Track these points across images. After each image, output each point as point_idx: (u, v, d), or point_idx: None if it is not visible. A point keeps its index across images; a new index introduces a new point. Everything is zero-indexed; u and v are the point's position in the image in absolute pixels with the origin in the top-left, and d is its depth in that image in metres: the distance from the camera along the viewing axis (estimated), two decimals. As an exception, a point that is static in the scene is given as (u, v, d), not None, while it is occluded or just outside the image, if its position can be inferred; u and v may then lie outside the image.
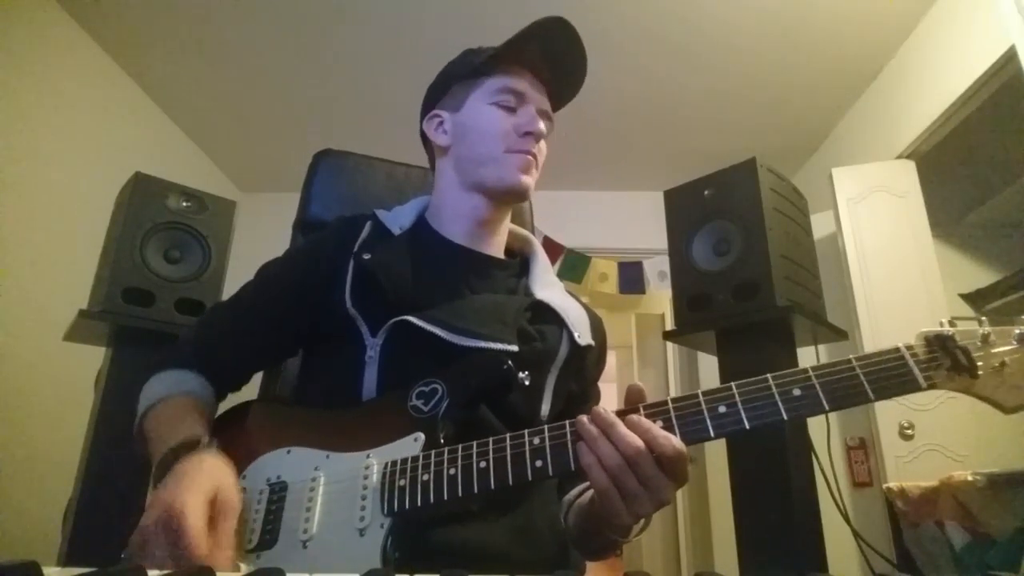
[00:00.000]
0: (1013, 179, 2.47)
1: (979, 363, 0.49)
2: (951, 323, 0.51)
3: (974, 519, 1.39)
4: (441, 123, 0.85)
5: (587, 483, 0.73)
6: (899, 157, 2.37)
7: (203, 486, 0.55)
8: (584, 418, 0.54)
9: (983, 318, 0.52)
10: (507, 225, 0.89)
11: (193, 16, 2.32)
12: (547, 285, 0.85)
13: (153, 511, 0.53)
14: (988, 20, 1.86)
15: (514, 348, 0.68)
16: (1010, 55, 1.73)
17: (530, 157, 0.79)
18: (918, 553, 1.62)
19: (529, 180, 0.80)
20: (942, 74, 2.13)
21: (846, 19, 2.25)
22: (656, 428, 0.52)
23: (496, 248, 0.86)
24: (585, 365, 0.82)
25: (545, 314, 0.78)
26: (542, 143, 0.83)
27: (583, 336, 0.78)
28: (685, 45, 2.43)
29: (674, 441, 0.51)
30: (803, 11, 2.23)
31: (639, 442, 0.51)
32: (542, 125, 0.80)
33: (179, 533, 0.51)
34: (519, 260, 0.89)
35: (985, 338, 0.50)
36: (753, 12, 2.24)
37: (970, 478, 1.39)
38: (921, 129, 2.24)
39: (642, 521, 0.57)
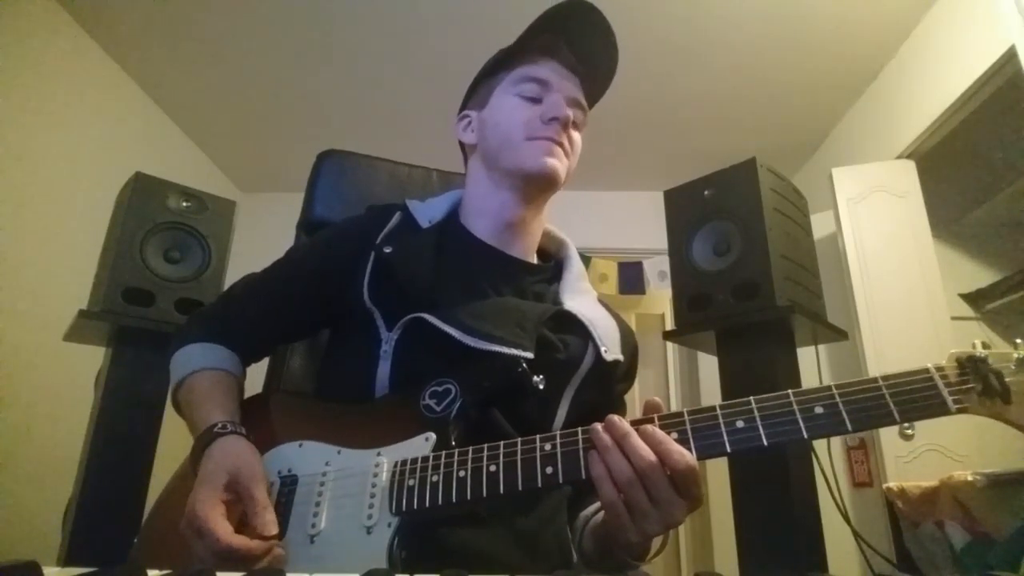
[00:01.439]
0: (1013, 179, 2.47)
1: (1012, 388, 0.46)
2: (984, 345, 0.49)
3: (974, 519, 1.39)
4: (470, 122, 0.84)
5: None
6: (899, 157, 2.37)
7: (216, 482, 0.58)
8: (598, 426, 0.53)
9: (1019, 340, 0.49)
10: (540, 226, 0.86)
11: (193, 16, 2.32)
12: (578, 293, 0.81)
13: (183, 520, 0.57)
14: (988, 20, 1.86)
15: (529, 355, 0.66)
16: (1010, 55, 1.74)
17: (553, 144, 0.75)
18: (918, 553, 1.62)
19: (554, 162, 0.75)
20: (942, 74, 2.14)
21: (846, 19, 2.25)
22: (671, 442, 0.50)
23: (526, 250, 0.84)
24: (610, 380, 0.79)
25: (572, 324, 0.75)
26: (575, 135, 0.79)
27: (610, 351, 0.75)
28: (685, 45, 2.43)
29: (688, 457, 0.49)
30: (803, 11, 2.23)
31: (652, 456, 0.49)
32: (568, 111, 0.76)
33: (205, 538, 0.54)
34: (552, 265, 0.87)
35: (1020, 362, 0.47)
36: (753, 12, 2.24)
37: (970, 478, 1.39)
38: (921, 129, 2.24)
39: (658, 541, 0.55)
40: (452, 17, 2.31)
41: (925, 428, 2.02)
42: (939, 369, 0.49)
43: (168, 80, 2.70)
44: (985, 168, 2.53)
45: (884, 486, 1.85)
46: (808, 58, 2.46)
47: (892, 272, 2.20)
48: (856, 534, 1.34)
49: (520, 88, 0.78)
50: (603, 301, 0.86)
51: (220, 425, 0.65)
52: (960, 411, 0.47)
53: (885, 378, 0.49)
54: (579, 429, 0.55)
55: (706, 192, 1.31)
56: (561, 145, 0.76)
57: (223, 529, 0.55)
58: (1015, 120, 2.17)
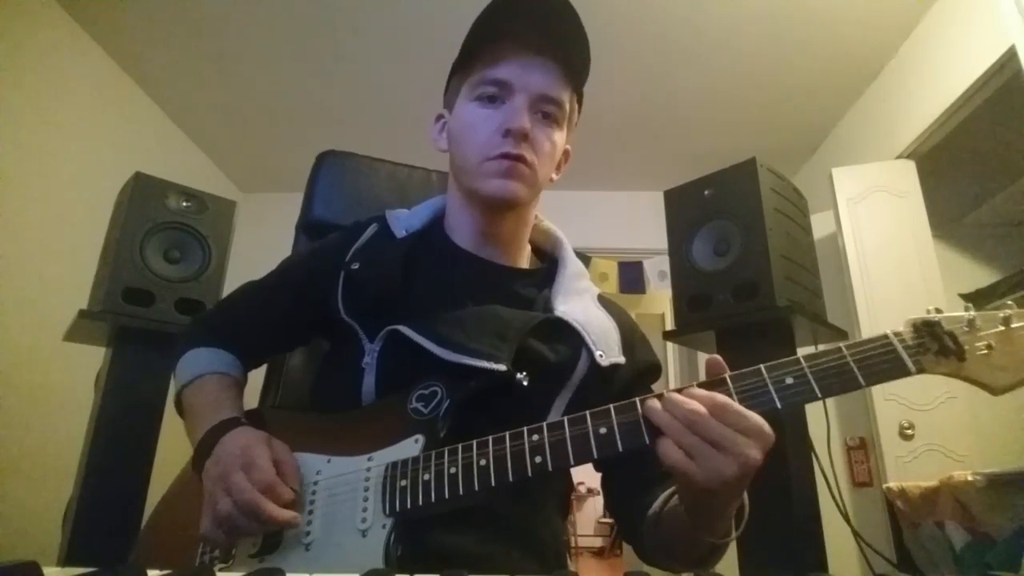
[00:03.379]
0: (1013, 179, 2.47)
1: (966, 347, 0.50)
2: (938, 310, 0.52)
3: (974, 519, 1.39)
4: (445, 124, 0.81)
5: (671, 490, 0.69)
6: (899, 157, 2.37)
7: (258, 437, 0.62)
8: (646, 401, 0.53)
9: (969, 304, 0.53)
10: (526, 227, 0.83)
11: (193, 16, 2.33)
12: (573, 295, 0.78)
13: (224, 459, 0.60)
14: (988, 20, 1.86)
15: (502, 367, 0.65)
16: (1010, 55, 1.74)
17: (510, 162, 0.71)
18: (918, 553, 1.62)
19: (511, 185, 0.72)
20: (942, 74, 2.14)
21: (846, 19, 2.25)
22: (706, 393, 0.51)
23: (512, 254, 0.81)
24: (611, 385, 0.74)
25: (563, 331, 0.72)
26: (544, 138, 0.73)
27: (605, 355, 0.72)
28: (685, 45, 2.43)
29: (717, 398, 0.50)
30: (803, 11, 2.23)
31: (691, 403, 0.50)
32: (525, 121, 0.70)
33: (254, 471, 0.57)
34: (544, 267, 0.84)
35: (971, 323, 0.51)
36: (753, 12, 2.24)
37: (970, 478, 1.39)
38: (921, 129, 2.24)
39: (738, 520, 0.56)
40: (452, 17, 2.31)
41: (925, 428, 2.03)
42: (897, 334, 0.52)
43: (168, 80, 2.70)
44: (985, 168, 2.53)
45: (884, 486, 1.85)
46: (808, 58, 2.46)
47: (892, 272, 2.20)
48: (856, 534, 1.34)
49: (479, 91, 0.73)
50: (604, 299, 0.84)
51: (240, 419, 0.67)
52: (919, 371, 0.50)
53: (848, 346, 0.52)
54: (565, 419, 0.55)
55: (706, 192, 1.31)
56: (520, 158, 0.71)
57: (271, 466, 0.58)
58: (1015, 120, 2.17)
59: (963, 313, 0.52)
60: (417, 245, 0.78)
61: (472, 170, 0.74)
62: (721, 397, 0.50)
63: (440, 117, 0.83)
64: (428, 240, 0.80)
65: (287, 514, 0.57)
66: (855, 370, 0.51)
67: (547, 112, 0.74)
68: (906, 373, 0.50)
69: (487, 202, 0.75)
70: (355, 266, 0.76)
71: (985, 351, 0.50)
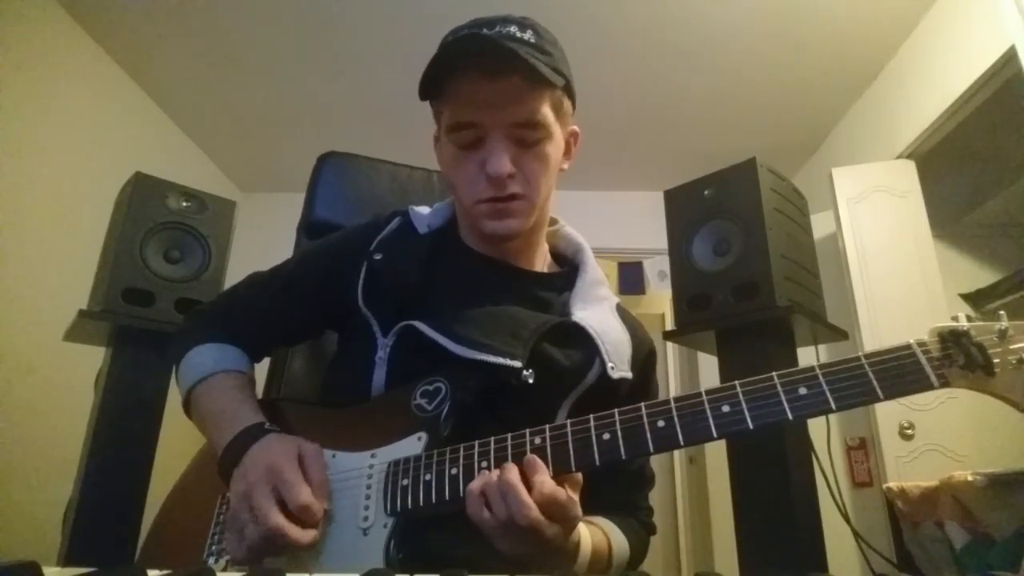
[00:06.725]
0: (1013, 179, 2.47)
1: (995, 360, 0.46)
2: (968, 318, 0.48)
3: (974, 519, 1.39)
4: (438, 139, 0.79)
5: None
6: (899, 157, 2.37)
7: (288, 447, 0.61)
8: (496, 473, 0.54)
9: (1002, 312, 0.49)
10: (540, 232, 0.82)
11: (194, 16, 2.33)
12: (591, 302, 0.78)
13: (252, 475, 0.58)
14: (988, 20, 1.86)
15: (517, 364, 0.64)
16: (1010, 55, 1.74)
17: (500, 203, 0.70)
18: (918, 553, 1.62)
19: (503, 225, 0.71)
20: (942, 74, 2.14)
21: (846, 19, 2.25)
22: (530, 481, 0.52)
23: (527, 258, 0.81)
24: (615, 395, 0.73)
25: (578, 336, 0.72)
26: (532, 160, 0.70)
27: (617, 368, 0.71)
28: (685, 45, 2.43)
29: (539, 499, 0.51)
30: (803, 11, 2.23)
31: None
32: (505, 164, 0.67)
33: (286, 488, 0.55)
34: (563, 272, 0.83)
35: (1003, 334, 0.46)
36: (753, 12, 2.25)
37: (970, 478, 1.39)
38: (921, 129, 2.24)
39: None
40: (453, 18, 2.30)
41: (925, 428, 2.03)
42: (921, 344, 0.48)
43: (168, 80, 2.70)
44: (985, 168, 2.53)
45: (884, 486, 1.85)
46: (808, 58, 2.46)
47: (892, 272, 2.20)
48: (856, 534, 1.34)
49: (454, 137, 0.70)
50: (623, 309, 0.83)
51: (268, 425, 0.65)
52: (943, 385, 0.47)
53: (868, 356, 0.48)
54: (568, 422, 0.55)
55: (706, 192, 1.31)
56: (509, 198, 0.70)
57: (304, 486, 0.56)
58: (1015, 120, 2.17)
59: (994, 323, 0.47)
60: (438, 243, 0.78)
61: (466, 210, 0.74)
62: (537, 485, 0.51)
63: (437, 137, 0.80)
64: (447, 239, 0.80)
65: (308, 536, 0.55)
66: (874, 382, 0.47)
67: (527, 136, 0.69)
68: (928, 387, 0.47)
69: (488, 239, 0.75)
70: (378, 257, 0.76)
71: (1016, 365, 0.45)
